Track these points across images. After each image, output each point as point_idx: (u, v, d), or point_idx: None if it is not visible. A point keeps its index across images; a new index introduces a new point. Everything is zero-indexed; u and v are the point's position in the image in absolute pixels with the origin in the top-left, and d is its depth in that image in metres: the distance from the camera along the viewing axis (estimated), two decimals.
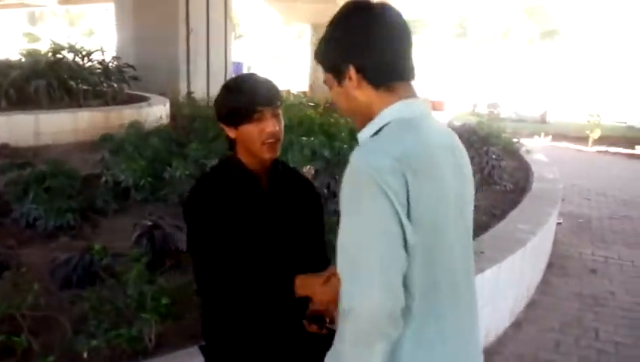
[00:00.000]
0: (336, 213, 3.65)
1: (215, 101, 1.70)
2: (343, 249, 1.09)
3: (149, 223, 3.09)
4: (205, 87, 11.18)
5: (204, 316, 1.77)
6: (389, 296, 1.04)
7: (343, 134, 6.56)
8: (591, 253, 5.24)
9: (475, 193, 4.67)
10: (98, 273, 2.85)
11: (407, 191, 1.07)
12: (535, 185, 5.50)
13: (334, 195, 4.61)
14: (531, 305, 4.02)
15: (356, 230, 1.08)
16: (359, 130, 1.25)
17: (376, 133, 1.17)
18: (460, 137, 5.02)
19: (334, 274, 1.47)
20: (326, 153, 5.77)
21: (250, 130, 1.61)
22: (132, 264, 2.59)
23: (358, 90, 1.20)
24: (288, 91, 12.69)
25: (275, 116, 1.63)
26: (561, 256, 5.01)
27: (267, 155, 1.64)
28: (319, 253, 1.85)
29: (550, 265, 4.72)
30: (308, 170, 4.83)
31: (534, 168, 6.34)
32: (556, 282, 4.49)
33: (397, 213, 1.05)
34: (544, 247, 4.55)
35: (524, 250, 3.68)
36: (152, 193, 4.50)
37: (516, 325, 3.70)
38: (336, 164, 5.86)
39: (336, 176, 4.88)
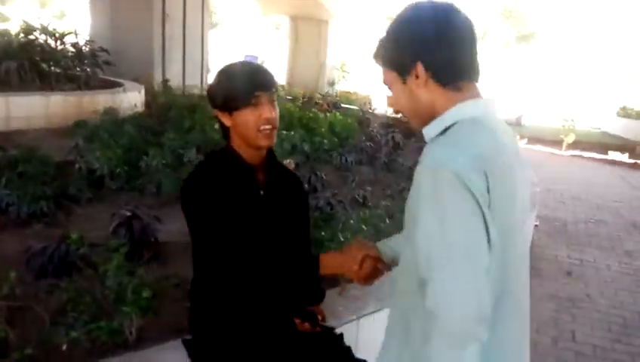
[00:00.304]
0: (318, 209, 3.61)
1: (209, 88, 1.66)
2: (428, 250, 1.06)
3: (128, 213, 2.99)
4: (181, 74, 10.97)
5: (193, 309, 1.71)
6: (480, 297, 1.03)
7: (322, 129, 6.54)
8: (567, 255, 5.34)
9: None
10: (75, 263, 2.74)
11: (488, 191, 1.05)
12: None
13: (315, 190, 4.57)
14: None
15: (442, 230, 1.05)
16: (415, 129, 1.25)
17: (444, 131, 1.16)
18: None
19: (368, 255, 1.52)
20: (306, 147, 5.73)
21: (246, 115, 1.58)
22: (110, 254, 2.50)
23: (423, 89, 1.19)
24: None
25: (271, 102, 1.61)
26: (537, 258, 5.08)
27: (263, 143, 1.61)
28: (305, 250, 1.84)
29: None
30: (288, 164, 4.75)
31: None
32: (532, 284, 4.53)
33: (482, 213, 1.04)
34: None
35: None
36: (127, 182, 4.38)
37: None
38: (316, 158, 5.83)
39: (317, 172, 4.84)
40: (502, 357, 1.14)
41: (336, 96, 11.45)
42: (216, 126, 4.99)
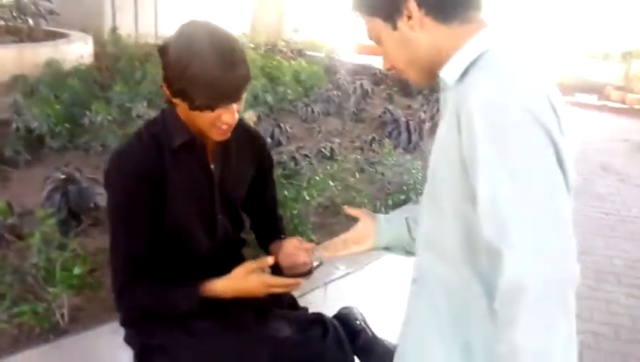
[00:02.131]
0: (282, 165, 3.30)
1: (167, 63, 1.23)
2: (499, 210, 0.85)
3: (63, 176, 2.63)
4: (133, 23, 10.28)
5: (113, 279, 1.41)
6: (572, 257, 0.85)
7: (286, 78, 6.15)
8: None
9: (424, 141, 4.41)
10: (3, 235, 2.42)
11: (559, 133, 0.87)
12: None
13: (279, 144, 4.26)
14: None
15: (517, 183, 0.84)
16: (418, 83, 1.08)
17: (468, 67, 0.95)
18: (409, 85, 4.74)
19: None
20: (269, 98, 5.37)
21: (203, 114, 1.24)
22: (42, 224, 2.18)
23: (421, 31, 0.98)
24: None
25: (239, 104, 1.26)
26: None
27: (217, 137, 1.30)
28: (271, 215, 1.67)
29: None
30: (250, 117, 4.42)
31: None
32: None
33: (561, 157, 0.86)
34: None
35: None
36: (70, 141, 3.97)
37: None
38: (280, 109, 5.48)
39: (280, 124, 4.51)
40: None
41: (297, 44, 10.95)
42: None
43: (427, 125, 5.11)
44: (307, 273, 1.37)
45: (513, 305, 0.83)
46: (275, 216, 1.70)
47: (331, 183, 2.94)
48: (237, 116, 1.27)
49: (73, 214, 2.53)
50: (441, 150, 0.99)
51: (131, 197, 1.28)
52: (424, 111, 5.47)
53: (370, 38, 1.07)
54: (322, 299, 2.26)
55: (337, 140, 4.45)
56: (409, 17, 0.97)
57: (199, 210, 1.39)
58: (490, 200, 0.86)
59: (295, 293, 1.66)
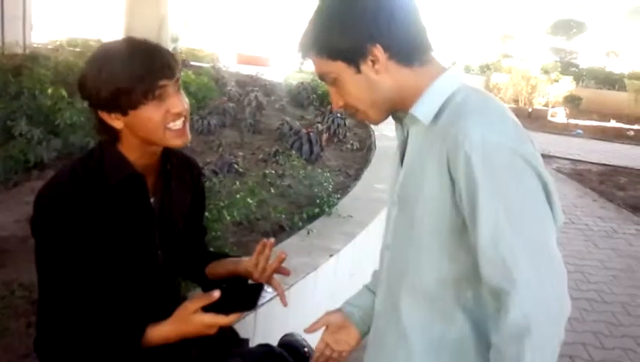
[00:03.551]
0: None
1: (83, 78, 1.18)
2: (498, 252, 0.91)
3: None
4: None
5: (39, 329, 1.28)
6: (566, 292, 0.91)
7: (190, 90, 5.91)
8: None
9: (324, 152, 4.51)
10: None
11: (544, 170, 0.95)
12: (379, 144, 5.58)
13: None
14: None
15: (514, 224, 0.90)
16: (376, 121, 1.09)
17: (443, 106, 1.00)
18: (300, 96, 4.85)
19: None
20: None
21: (149, 113, 1.16)
22: None
23: (384, 74, 1.01)
24: (99, 41, 11.29)
25: (178, 90, 1.21)
26: None
27: (176, 142, 1.22)
28: (200, 245, 1.61)
29: None
30: None
31: (373, 126, 6.45)
32: None
33: (550, 195, 0.94)
34: None
35: (385, 210, 3.65)
36: None
37: None
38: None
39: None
40: None
41: (182, 53, 10.63)
42: (50, 90, 4.26)
43: (325, 136, 5.23)
44: (251, 306, 1.31)
45: (519, 342, 0.89)
46: (205, 245, 1.65)
47: (250, 200, 2.89)
48: (186, 106, 1.22)
49: None
50: (424, 186, 1.00)
51: (65, 242, 1.18)
52: (320, 123, 5.59)
53: (322, 78, 1.07)
54: (252, 325, 2.20)
55: (240, 153, 4.40)
56: (372, 61, 1.00)
57: (139, 247, 1.32)
58: (491, 241, 0.91)
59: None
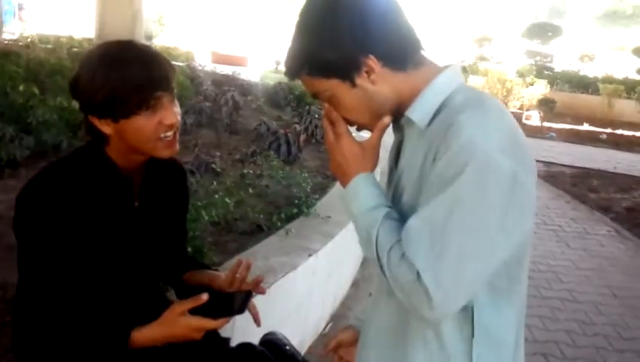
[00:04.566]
0: None
1: (77, 80, 1.15)
2: (434, 233, 0.88)
3: None
4: None
5: (16, 331, 1.24)
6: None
7: None
8: None
9: (302, 153, 4.50)
10: None
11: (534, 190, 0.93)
12: None
13: None
14: (365, 263, 4.06)
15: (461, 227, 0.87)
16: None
17: (440, 108, 0.96)
18: (277, 96, 4.85)
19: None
20: None
21: (141, 123, 1.14)
22: None
23: (380, 84, 0.98)
24: (71, 37, 11.08)
25: (172, 101, 1.19)
26: None
27: (165, 153, 1.20)
28: (180, 248, 1.58)
29: None
30: None
31: (350, 127, 6.47)
32: None
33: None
34: None
35: None
36: None
37: (355, 285, 3.71)
38: None
39: None
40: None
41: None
42: (22, 87, 4.17)
43: (303, 137, 5.23)
44: (239, 311, 1.30)
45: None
46: (185, 249, 1.63)
47: (228, 200, 2.87)
48: (179, 117, 1.20)
49: None
50: (419, 185, 0.97)
51: (49, 241, 1.15)
52: (297, 123, 5.58)
53: (316, 97, 1.03)
54: (232, 324, 2.19)
55: (217, 153, 4.37)
56: (367, 73, 0.97)
57: (122, 250, 1.30)
58: (429, 222, 0.88)
59: None
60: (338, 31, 0.94)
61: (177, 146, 1.22)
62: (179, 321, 1.18)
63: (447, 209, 0.87)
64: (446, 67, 1.02)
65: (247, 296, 1.29)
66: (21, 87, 4.10)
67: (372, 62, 0.95)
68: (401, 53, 0.98)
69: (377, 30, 0.95)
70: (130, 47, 1.16)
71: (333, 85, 0.98)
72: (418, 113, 0.98)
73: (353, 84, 0.98)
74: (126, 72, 1.11)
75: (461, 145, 0.87)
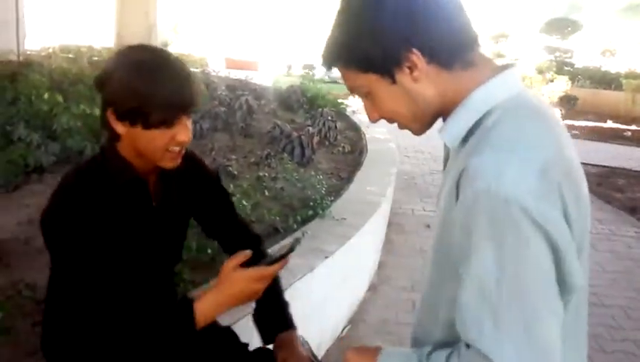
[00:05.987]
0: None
1: (106, 77, 1.17)
2: (478, 307, 0.80)
3: None
4: None
5: (46, 329, 1.27)
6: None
7: None
8: (422, 208, 5.55)
9: (316, 155, 4.50)
10: None
11: (566, 215, 0.81)
12: (370, 146, 5.60)
13: None
14: (381, 266, 4.06)
15: (502, 282, 0.78)
16: (419, 133, 0.97)
17: (473, 128, 0.87)
18: (289, 100, 4.86)
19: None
20: None
21: (155, 135, 1.16)
22: None
23: (424, 82, 0.88)
24: (90, 47, 11.24)
25: (188, 119, 1.21)
26: (396, 214, 5.18)
27: (169, 164, 1.24)
28: (242, 234, 1.57)
29: (389, 224, 4.84)
30: None
31: (364, 128, 6.47)
32: (397, 240, 4.63)
33: (562, 262, 0.80)
34: (387, 207, 4.66)
35: (378, 212, 3.66)
36: None
37: (372, 289, 3.70)
38: None
39: None
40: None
41: None
42: (46, 95, 4.24)
43: (316, 139, 5.23)
44: (288, 251, 1.22)
45: None
46: (241, 224, 1.60)
47: (245, 203, 2.89)
48: (190, 135, 1.22)
49: None
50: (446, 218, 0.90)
51: (80, 244, 1.17)
52: (310, 126, 5.59)
53: (353, 91, 0.95)
54: (251, 328, 2.20)
55: (233, 156, 4.40)
56: (410, 68, 0.87)
57: (143, 249, 1.33)
58: (475, 294, 0.80)
59: (223, 321, 1.63)
60: (380, 20, 0.85)
61: (179, 159, 1.24)
62: (235, 276, 1.17)
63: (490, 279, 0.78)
64: (500, 70, 0.90)
65: (291, 247, 1.23)
66: (46, 96, 4.18)
67: (416, 57, 0.85)
68: (451, 49, 0.87)
69: (426, 22, 0.85)
70: (168, 62, 1.17)
71: (370, 80, 0.90)
72: (449, 132, 0.91)
73: (393, 81, 0.88)
74: (159, 90, 1.12)
75: (476, 195, 0.78)
